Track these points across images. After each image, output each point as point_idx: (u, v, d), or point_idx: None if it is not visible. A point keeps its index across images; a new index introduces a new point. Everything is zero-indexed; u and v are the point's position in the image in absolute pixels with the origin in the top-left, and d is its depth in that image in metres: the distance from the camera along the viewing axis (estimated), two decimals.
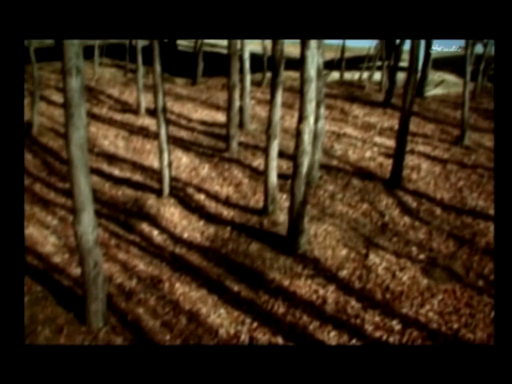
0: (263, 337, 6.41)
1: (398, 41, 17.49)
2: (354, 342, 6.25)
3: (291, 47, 20.18)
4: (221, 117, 15.23)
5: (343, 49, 21.45)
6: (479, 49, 18.41)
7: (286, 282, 7.55)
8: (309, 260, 8.07)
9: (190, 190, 10.78)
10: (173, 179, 10.75)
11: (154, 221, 9.56)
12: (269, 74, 17.49)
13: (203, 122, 15.33)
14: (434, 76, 20.43)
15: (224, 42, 20.93)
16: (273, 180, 9.36)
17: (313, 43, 7.38)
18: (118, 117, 15.92)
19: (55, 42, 23.28)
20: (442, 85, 19.98)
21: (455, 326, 6.50)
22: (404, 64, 16.58)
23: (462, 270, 7.78)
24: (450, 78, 20.99)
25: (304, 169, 7.92)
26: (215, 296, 7.29)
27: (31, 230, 9.14)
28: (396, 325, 6.52)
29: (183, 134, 14.23)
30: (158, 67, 10.00)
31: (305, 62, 7.49)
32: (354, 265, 7.95)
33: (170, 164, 10.41)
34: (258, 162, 11.89)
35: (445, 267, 7.83)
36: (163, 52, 10.92)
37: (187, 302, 7.18)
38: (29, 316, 6.64)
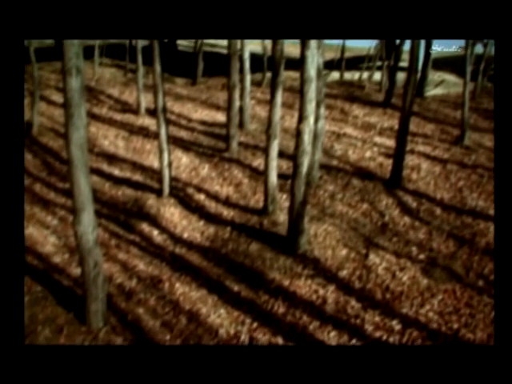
0: (263, 337, 6.41)
1: (397, 41, 17.50)
2: (353, 341, 6.25)
3: (291, 47, 20.19)
4: (221, 117, 15.23)
5: (343, 49, 21.46)
6: (479, 49, 18.45)
7: (286, 282, 7.55)
8: (309, 260, 8.07)
9: (190, 190, 10.78)
10: (173, 179, 10.75)
11: (154, 221, 9.56)
12: (269, 74, 17.49)
13: (203, 122, 15.33)
14: (434, 76, 20.43)
15: (224, 42, 20.93)
16: (273, 180, 9.36)
17: (313, 43, 7.38)
18: (118, 117, 15.92)
19: (55, 41, 23.29)
20: (442, 85, 19.98)
21: (455, 326, 6.50)
22: (404, 64, 16.58)
23: (462, 270, 7.78)
24: (450, 77, 21.00)
25: (304, 169, 7.92)
26: (215, 296, 7.29)
27: (31, 230, 9.15)
28: (396, 325, 6.52)
29: (183, 133, 14.23)
30: (157, 67, 10.00)
31: (305, 62, 7.49)
32: (353, 265, 7.95)
33: (169, 164, 10.41)
34: (258, 162, 11.89)
35: (445, 267, 7.83)
36: (163, 52, 10.93)
37: (187, 302, 7.18)
38: (29, 316, 6.64)
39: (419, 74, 15.83)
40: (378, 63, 21.08)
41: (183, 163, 12.22)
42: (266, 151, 9.41)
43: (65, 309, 6.88)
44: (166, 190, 10.40)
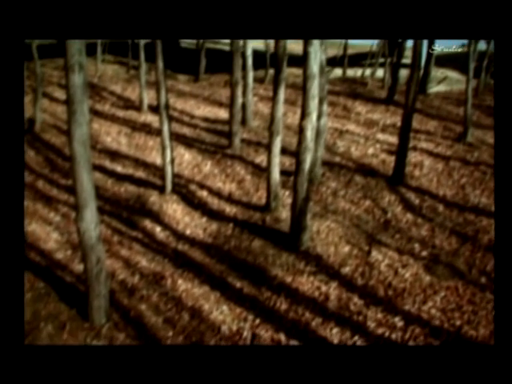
0: (266, 333, 6.42)
1: None
2: (356, 338, 6.25)
3: (293, 44, 20.06)
4: (223, 113, 15.21)
5: (346, 46, 21.40)
6: (482, 46, 18.40)
7: (289, 279, 7.55)
8: (311, 257, 8.07)
9: (193, 187, 10.78)
10: (175, 176, 10.75)
11: (157, 217, 9.57)
12: (271, 71, 17.42)
13: (206, 119, 15.32)
14: (437, 73, 20.36)
15: (226, 39, 20.89)
16: (275, 177, 9.36)
17: (316, 40, 7.36)
18: (121, 113, 15.92)
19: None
20: (444, 82, 19.91)
21: (458, 322, 6.50)
22: (407, 61, 16.56)
23: (465, 267, 7.77)
24: (453, 74, 20.93)
25: (306, 165, 7.91)
26: (218, 292, 7.30)
27: (34, 227, 9.17)
28: (398, 321, 6.52)
29: (186, 130, 14.24)
30: (160, 64, 9.99)
31: (308, 59, 7.47)
32: (356, 261, 7.95)
33: (172, 160, 10.41)
34: (260, 159, 11.89)
35: (447, 264, 7.83)
36: (166, 49, 10.91)
37: (190, 299, 7.19)
38: (32, 312, 6.67)
39: (422, 71, 15.75)
40: (381, 60, 21.01)
41: (186, 160, 12.23)
42: (268, 148, 9.41)
43: (67, 305, 6.90)
44: (169, 186, 10.41)
